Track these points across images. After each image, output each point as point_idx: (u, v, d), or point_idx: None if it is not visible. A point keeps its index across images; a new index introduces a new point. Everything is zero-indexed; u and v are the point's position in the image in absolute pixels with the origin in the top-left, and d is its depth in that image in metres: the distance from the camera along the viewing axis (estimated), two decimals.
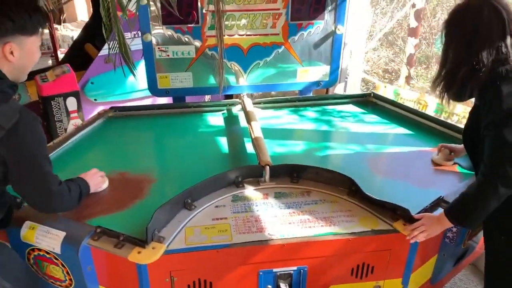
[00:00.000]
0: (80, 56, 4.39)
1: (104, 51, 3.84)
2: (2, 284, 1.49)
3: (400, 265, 1.73)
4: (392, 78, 5.26)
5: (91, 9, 5.19)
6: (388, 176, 2.09)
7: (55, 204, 1.60)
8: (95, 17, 4.45)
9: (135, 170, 2.11)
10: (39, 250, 1.61)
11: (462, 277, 2.68)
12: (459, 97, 1.67)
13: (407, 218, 1.67)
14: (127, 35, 2.36)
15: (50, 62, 6.39)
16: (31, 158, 1.48)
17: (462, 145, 2.06)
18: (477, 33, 1.53)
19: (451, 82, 1.63)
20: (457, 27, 1.60)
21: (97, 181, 1.88)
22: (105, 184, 1.93)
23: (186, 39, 2.64)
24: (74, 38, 5.62)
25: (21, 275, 1.61)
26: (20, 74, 1.49)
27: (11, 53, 1.40)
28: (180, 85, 2.73)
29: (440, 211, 1.73)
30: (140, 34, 2.65)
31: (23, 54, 1.44)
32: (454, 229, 1.76)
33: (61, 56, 5.52)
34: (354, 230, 1.66)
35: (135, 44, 2.99)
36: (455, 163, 2.15)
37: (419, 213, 1.69)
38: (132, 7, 2.19)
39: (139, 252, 1.52)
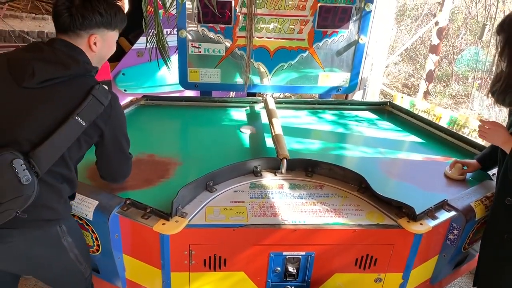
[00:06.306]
0: None
1: (137, 45, 4.04)
2: (73, 251, 1.63)
3: (402, 260, 1.82)
4: (411, 93, 5.33)
5: (127, 6, 5.41)
6: (396, 178, 2.19)
7: (123, 179, 1.87)
8: (130, 14, 4.68)
9: (162, 153, 2.27)
10: (73, 215, 1.74)
11: (462, 285, 2.75)
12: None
13: (412, 215, 1.75)
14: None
15: None
16: (122, 136, 1.68)
17: (475, 160, 2.15)
18: None
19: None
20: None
21: None
22: None
23: (218, 38, 2.82)
24: None
25: (84, 245, 1.75)
26: (98, 63, 1.64)
27: (95, 43, 1.55)
28: (208, 80, 2.90)
29: (443, 213, 1.82)
30: (175, 31, 2.83)
31: (104, 46, 1.59)
32: (456, 232, 1.84)
33: None
34: (360, 223, 1.76)
35: (168, 40, 3.17)
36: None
37: (422, 213, 1.76)
38: (172, 8, 2.35)
39: (163, 224, 1.64)
